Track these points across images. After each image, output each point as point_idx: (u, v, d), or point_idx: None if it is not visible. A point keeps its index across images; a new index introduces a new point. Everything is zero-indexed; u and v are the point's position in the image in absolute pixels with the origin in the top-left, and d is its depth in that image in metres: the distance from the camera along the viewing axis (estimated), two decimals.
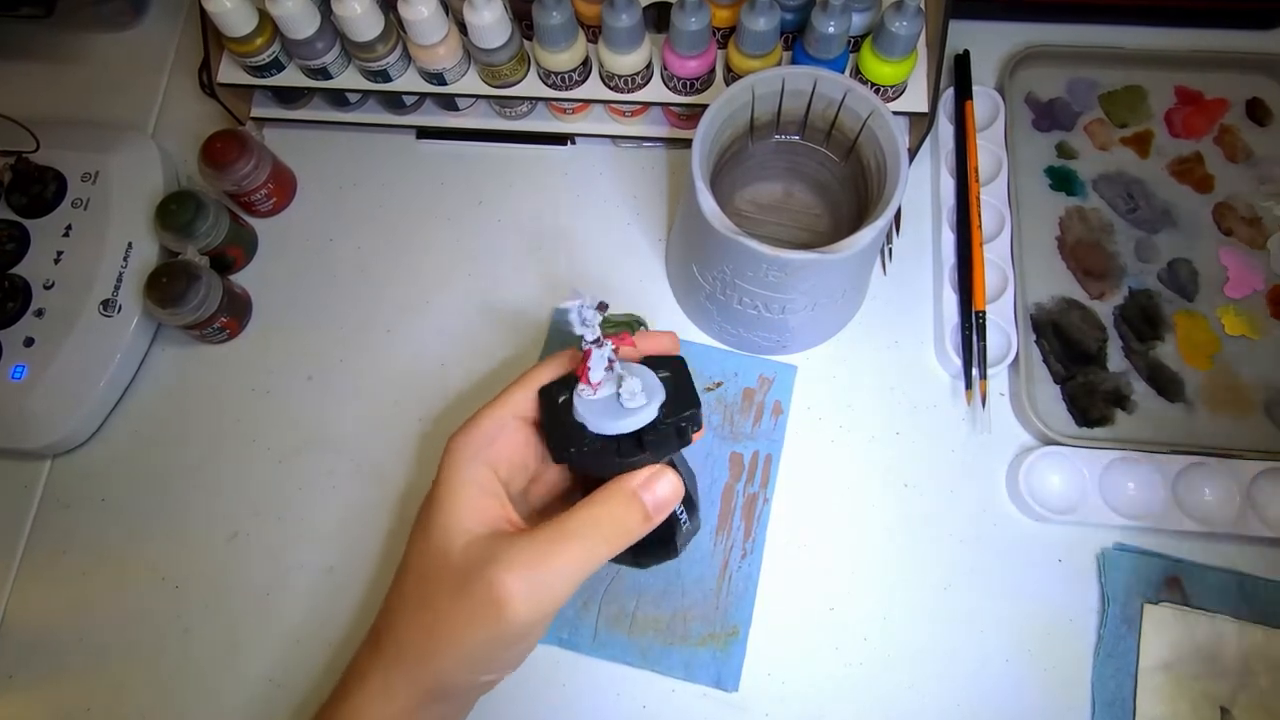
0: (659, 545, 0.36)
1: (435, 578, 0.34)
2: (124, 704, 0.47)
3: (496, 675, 0.36)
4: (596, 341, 0.32)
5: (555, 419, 0.34)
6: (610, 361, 0.33)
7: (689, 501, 0.36)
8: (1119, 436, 0.49)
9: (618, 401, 0.33)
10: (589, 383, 0.33)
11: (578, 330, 0.32)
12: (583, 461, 0.33)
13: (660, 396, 0.33)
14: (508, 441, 0.35)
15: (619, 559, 0.34)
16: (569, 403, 0.34)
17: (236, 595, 0.49)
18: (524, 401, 0.36)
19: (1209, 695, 0.44)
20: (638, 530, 0.33)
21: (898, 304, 0.53)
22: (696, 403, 0.34)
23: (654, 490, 0.33)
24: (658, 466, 0.33)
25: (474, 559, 0.32)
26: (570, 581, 0.32)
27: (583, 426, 0.33)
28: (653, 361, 0.35)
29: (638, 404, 0.32)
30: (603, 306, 0.32)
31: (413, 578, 0.35)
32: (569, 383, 0.35)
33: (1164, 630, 0.45)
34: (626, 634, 0.47)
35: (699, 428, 0.35)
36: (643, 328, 0.34)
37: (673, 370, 0.35)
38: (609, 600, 0.47)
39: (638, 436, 0.33)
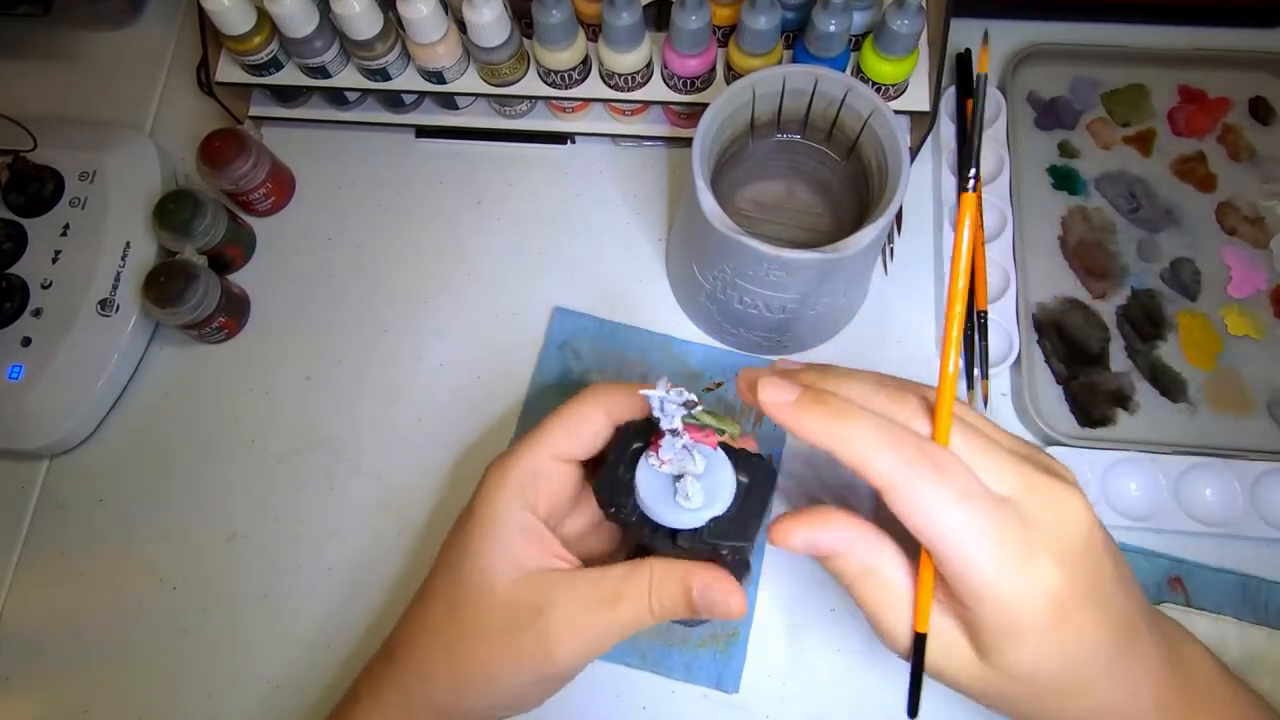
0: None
1: (473, 610, 0.33)
2: (122, 705, 0.47)
3: (518, 712, 0.36)
4: (674, 431, 0.31)
5: (616, 465, 0.33)
6: (686, 448, 0.31)
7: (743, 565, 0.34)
8: (1121, 437, 0.49)
9: (673, 490, 0.31)
10: (659, 457, 0.31)
11: (655, 415, 0.31)
12: (620, 523, 0.33)
13: (722, 505, 0.31)
14: (548, 483, 0.35)
15: None
16: (636, 457, 0.33)
17: (235, 596, 0.49)
18: (564, 441, 0.35)
19: None
20: (680, 615, 0.32)
21: (899, 304, 0.53)
22: (750, 538, 0.32)
23: (709, 595, 0.32)
24: (727, 577, 0.32)
25: (524, 601, 0.32)
26: (614, 640, 0.32)
27: (633, 494, 0.32)
28: (745, 460, 0.33)
29: (691, 506, 0.31)
30: (689, 405, 0.31)
31: (443, 605, 0.35)
32: (648, 432, 0.33)
33: None
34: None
35: (747, 569, 0.33)
36: (733, 436, 0.33)
37: (755, 481, 0.33)
38: None
39: (673, 532, 0.32)
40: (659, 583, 0.32)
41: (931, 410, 0.28)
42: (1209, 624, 0.45)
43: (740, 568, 0.33)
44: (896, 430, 0.27)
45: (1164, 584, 0.46)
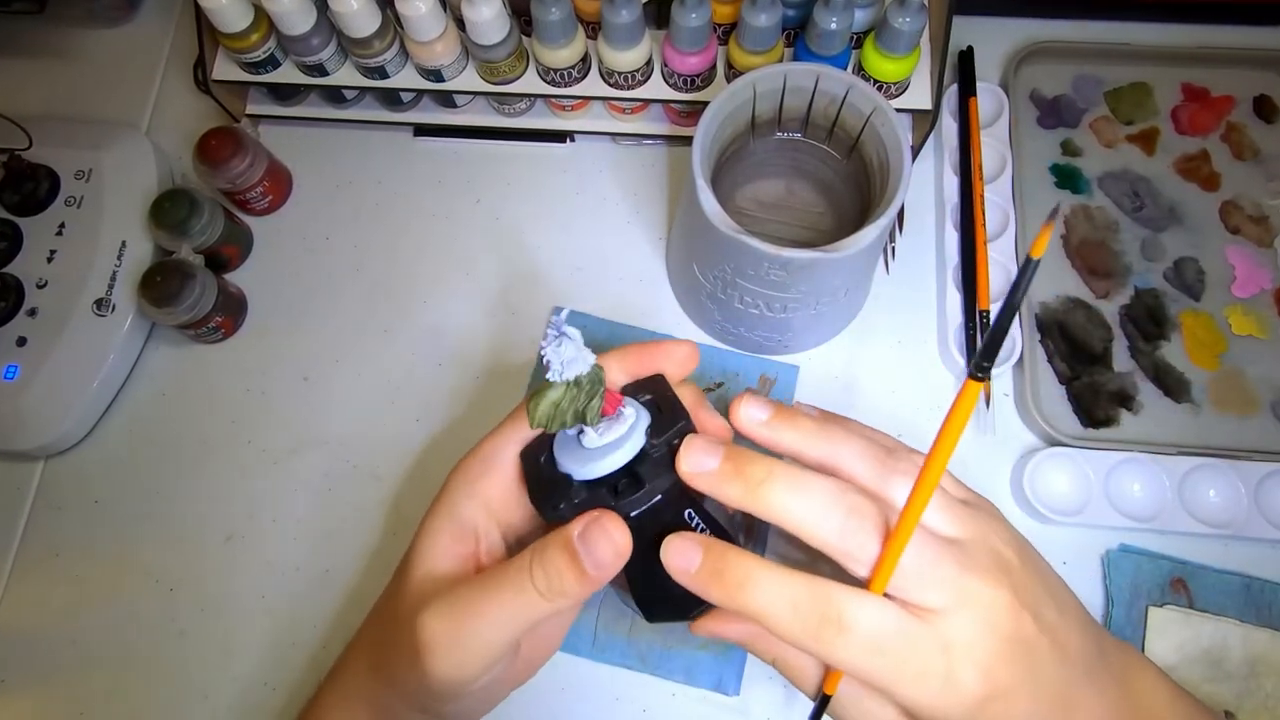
0: (670, 603, 0.31)
1: (389, 609, 0.33)
2: (118, 708, 0.47)
3: (454, 715, 0.32)
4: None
5: (539, 479, 0.30)
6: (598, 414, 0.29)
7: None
8: (1125, 437, 0.48)
9: (599, 439, 0.29)
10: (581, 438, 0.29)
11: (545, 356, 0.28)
12: (559, 519, 0.29)
13: (645, 419, 0.30)
14: (505, 474, 0.32)
15: (631, 603, 0.32)
16: (551, 458, 0.30)
17: (232, 598, 0.48)
18: (525, 427, 0.32)
19: (1213, 699, 0.44)
20: (576, 586, 0.28)
21: (901, 303, 0.52)
22: (684, 414, 0.30)
23: (590, 541, 0.27)
24: (598, 513, 0.28)
25: (414, 600, 0.30)
26: (500, 633, 0.28)
27: (568, 477, 0.29)
28: (631, 389, 0.32)
29: (618, 434, 0.29)
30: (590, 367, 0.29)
31: (380, 601, 0.35)
32: (548, 440, 0.31)
33: (1169, 633, 0.45)
34: (626, 637, 0.46)
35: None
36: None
37: (652, 390, 0.31)
38: (608, 604, 0.46)
39: (632, 471, 0.29)
40: (541, 553, 0.28)
41: (898, 510, 0.27)
42: (1212, 626, 0.45)
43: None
44: (825, 487, 0.27)
45: (1166, 586, 0.46)
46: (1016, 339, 0.49)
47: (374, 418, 0.51)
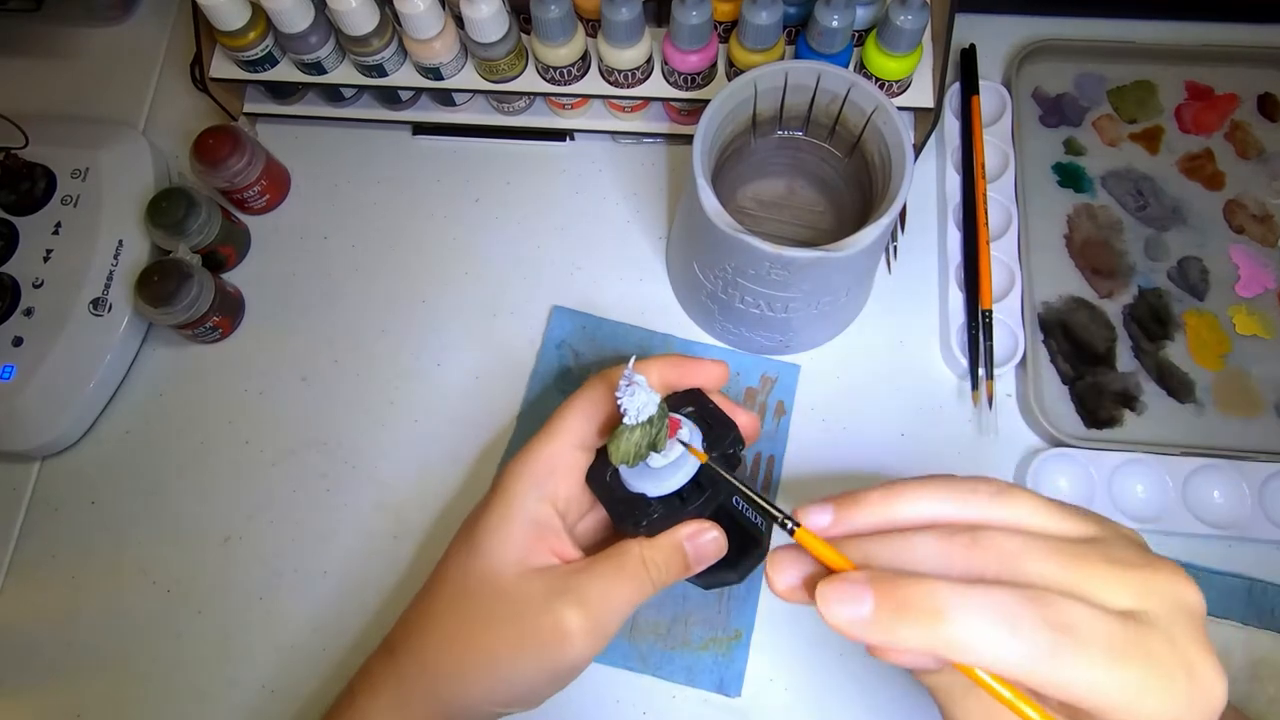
0: (726, 569, 0.36)
1: (478, 599, 0.34)
2: (114, 710, 0.46)
3: (518, 709, 0.35)
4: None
5: (613, 497, 0.35)
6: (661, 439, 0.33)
7: (751, 538, 0.36)
8: (1128, 438, 0.48)
9: (663, 460, 0.33)
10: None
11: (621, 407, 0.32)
12: (655, 527, 0.34)
13: (699, 435, 0.34)
14: (566, 473, 0.35)
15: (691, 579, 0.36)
16: (617, 476, 0.35)
17: (229, 600, 0.48)
18: (582, 427, 0.35)
19: None
20: (680, 576, 0.34)
21: (902, 303, 0.52)
22: (730, 424, 0.35)
23: (698, 544, 0.34)
24: (705, 523, 0.34)
25: (535, 592, 0.33)
26: (622, 618, 0.34)
27: (643, 496, 0.34)
28: (674, 400, 0.36)
29: (679, 453, 0.33)
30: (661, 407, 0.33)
31: (449, 597, 0.35)
32: (607, 463, 0.35)
33: None
34: (627, 639, 0.46)
35: (743, 445, 0.36)
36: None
37: (693, 403, 0.36)
38: None
39: (695, 479, 0.33)
40: (653, 551, 0.34)
41: (1002, 525, 0.25)
42: (1214, 629, 0.44)
43: (735, 461, 0.35)
44: (1007, 604, 0.23)
45: None
46: (1019, 339, 0.49)
47: (372, 419, 0.51)
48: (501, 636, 0.33)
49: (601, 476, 0.35)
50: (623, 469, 0.34)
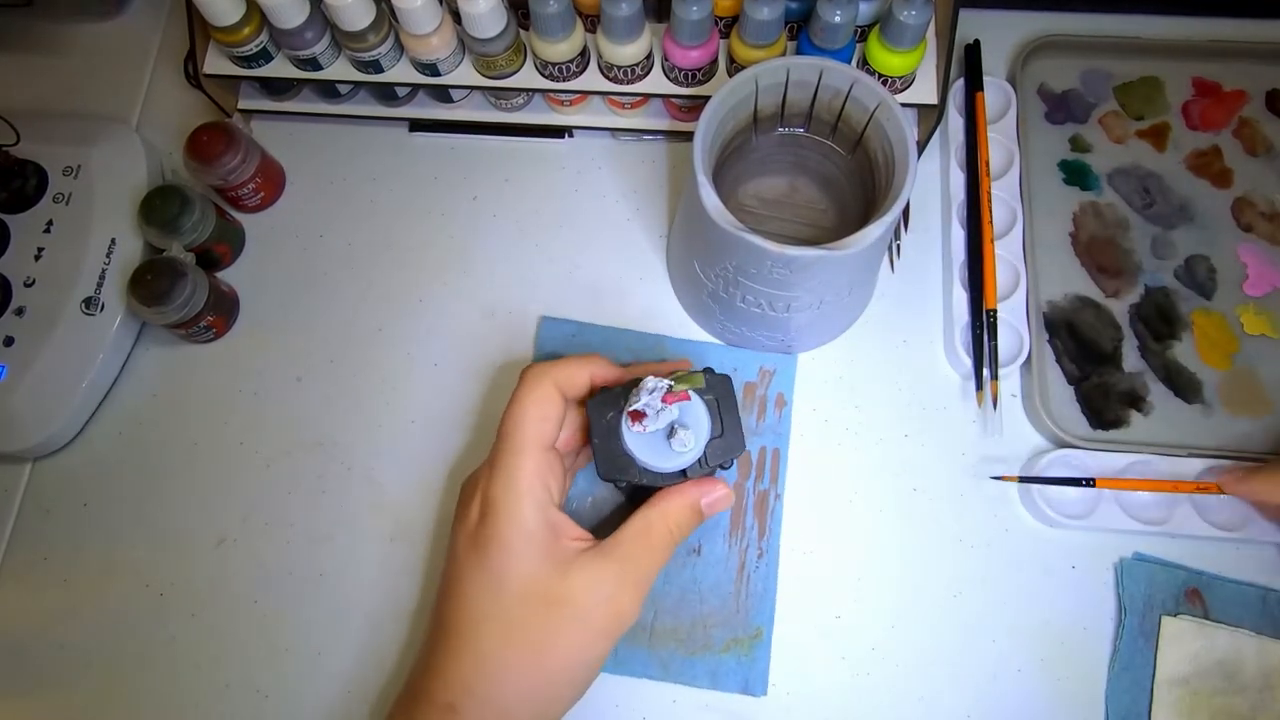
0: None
1: (539, 623, 0.35)
2: (106, 714, 0.46)
3: (580, 696, 0.38)
4: (656, 411, 0.37)
5: (605, 440, 0.38)
6: (660, 410, 0.37)
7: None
8: (1135, 439, 0.48)
9: (666, 441, 0.37)
10: (643, 427, 0.37)
11: (642, 408, 0.36)
12: (632, 491, 0.39)
13: (705, 431, 0.38)
14: (550, 472, 0.37)
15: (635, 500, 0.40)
16: (616, 426, 0.38)
17: (223, 603, 0.47)
18: (550, 432, 0.38)
19: (1227, 712, 0.43)
20: (690, 529, 0.39)
21: (906, 302, 0.52)
22: (742, 448, 0.38)
23: (711, 501, 0.39)
24: (713, 480, 0.39)
25: (582, 587, 0.36)
26: (654, 576, 0.38)
27: (633, 460, 0.37)
28: (708, 378, 0.39)
29: (687, 448, 0.37)
30: (671, 388, 0.37)
31: (500, 635, 0.35)
32: (615, 399, 0.38)
33: (1182, 643, 0.44)
34: (647, 647, 0.45)
35: (731, 465, 0.40)
36: (697, 386, 0.39)
37: (718, 393, 0.39)
38: None
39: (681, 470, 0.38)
40: (668, 516, 0.38)
41: None
42: (1227, 637, 0.44)
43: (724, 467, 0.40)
44: None
45: (1181, 596, 0.45)
46: (1024, 339, 0.48)
47: (369, 419, 0.50)
48: (572, 643, 0.35)
49: (604, 412, 0.38)
50: (629, 435, 0.37)
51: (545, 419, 0.38)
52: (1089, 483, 0.45)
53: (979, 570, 0.47)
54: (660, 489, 0.39)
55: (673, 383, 0.37)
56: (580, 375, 0.39)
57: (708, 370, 0.39)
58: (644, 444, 0.37)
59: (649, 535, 0.37)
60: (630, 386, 0.38)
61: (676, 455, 0.37)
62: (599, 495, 0.47)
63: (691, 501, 0.38)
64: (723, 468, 0.39)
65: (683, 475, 0.38)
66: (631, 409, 0.37)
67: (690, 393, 0.37)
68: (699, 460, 0.38)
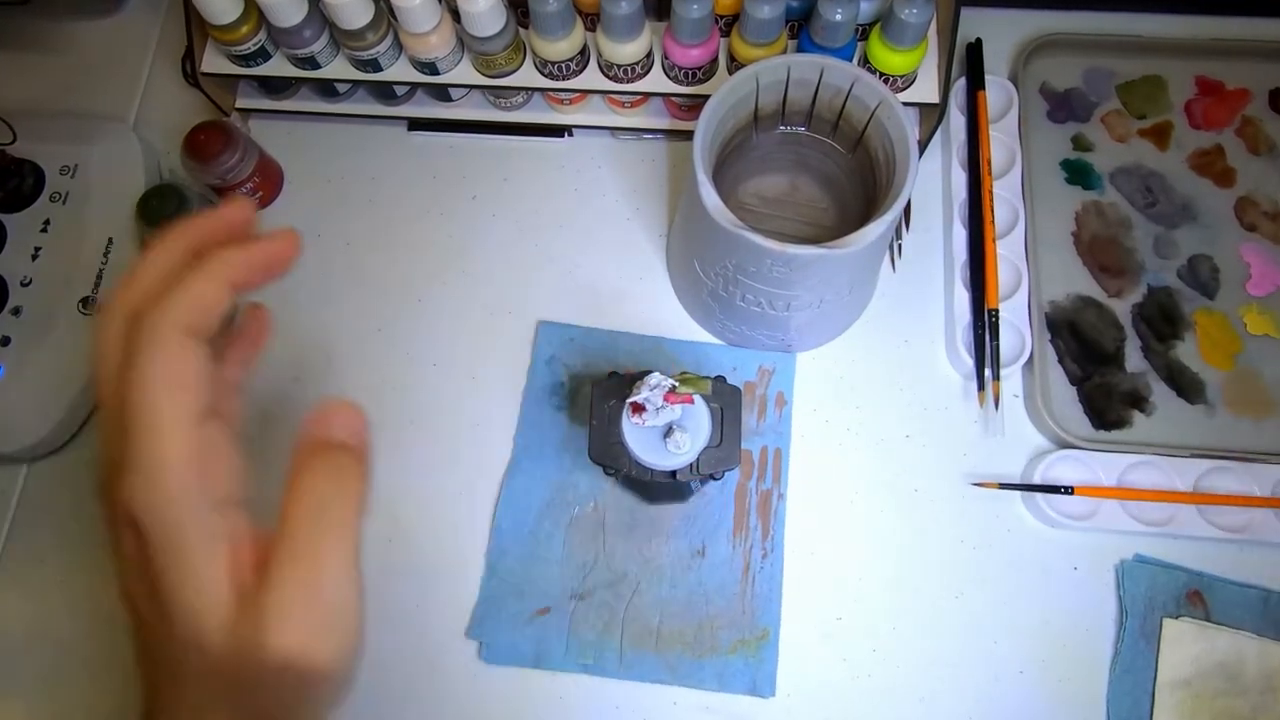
0: (672, 492, 0.42)
1: (200, 687, 0.24)
2: (104, 715, 0.46)
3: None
4: (657, 408, 0.37)
5: (602, 424, 0.38)
6: (661, 408, 0.37)
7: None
8: (1137, 439, 0.47)
9: (663, 439, 0.37)
10: (641, 420, 0.37)
11: (643, 400, 0.37)
12: (624, 480, 0.39)
13: (704, 438, 0.38)
14: (221, 450, 0.26)
15: (630, 487, 0.44)
16: (616, 414, 0.38)
17: None
18: (195, 405, 0.24)
19: (1229, 714, 0.43)
20: (364, 484, 0.26)
21: (907, 302, 0.51)
22: (735, 462, 0.38)
23: (343, 427, 0.26)
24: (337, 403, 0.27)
25: (243, 644, 0.23)
26: (353, 588, 0.25)
27: (625, 449, 0.38)
28: (714, 388, 0.39)
29: (683, 452, 0.37)
30: (673, 388, 0.37)
31: (222, 688, 0.24)
32: (622, 386, 0.38)
33: (1184, 645, 0.44)
34: (654, 651, 0.45)
35: (720, 477, 0.40)
36: (703, 391, 0.38)
37: (725, 404, 0.39)
38: (631, 619, 0.45)
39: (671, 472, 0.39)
40: (331, 490, 0.26)
41: None
42: (1228, 639, 0.44)
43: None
44: None
45: (1182, 598, 0.45)
46: (1026, 339, 0.48)
47: (367, 419, 0.50)
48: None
49: (608, 397, 0.38)
50: (629, 431, 0.37)
51: (185, 387, 0.24)
52: (1067, 490, 0.45)
53: (980, 571, 0.46)
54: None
55: (677, 383, 0.37)
56: (211, 294, 0.25)
57: (719, 379, 0.39)
58: (640, 437, 0.38)
59: (328, 549, 0.25)
60: (640, 376, 0.38)
61: (670, 455, 0.37)
62: (601, 500, 0.47)
63: (334, 460, 0.26)
64: (713, 478, 0.39)
65: (672, 476, 0.38)
66: (633, 400, 0.37)
67: (695, 397, 0.37)
68: (691, 465, 0.38)
